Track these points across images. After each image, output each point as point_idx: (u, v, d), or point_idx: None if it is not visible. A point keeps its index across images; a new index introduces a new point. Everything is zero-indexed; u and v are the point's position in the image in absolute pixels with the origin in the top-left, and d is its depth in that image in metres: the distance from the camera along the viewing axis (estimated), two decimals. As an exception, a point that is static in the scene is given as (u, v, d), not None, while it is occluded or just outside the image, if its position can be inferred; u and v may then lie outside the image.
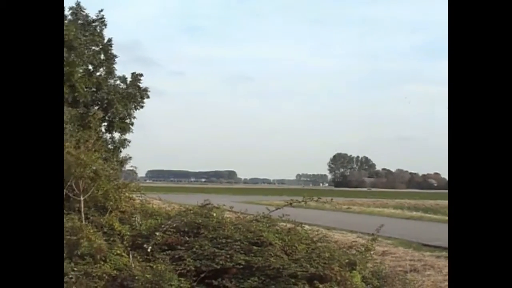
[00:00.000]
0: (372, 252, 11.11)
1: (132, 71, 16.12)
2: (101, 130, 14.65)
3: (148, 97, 15.36)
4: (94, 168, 10.80)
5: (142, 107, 15.46)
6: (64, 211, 10.37)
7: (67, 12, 15.16)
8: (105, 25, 15.62)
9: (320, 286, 8.65)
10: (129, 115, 15.12)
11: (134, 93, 15.15)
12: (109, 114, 14.74)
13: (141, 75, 15.68)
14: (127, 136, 15.25)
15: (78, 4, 15.30)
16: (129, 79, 15.63)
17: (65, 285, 8.85)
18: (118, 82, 15.63)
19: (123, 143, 15.17)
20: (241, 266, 9.02)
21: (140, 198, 11.94)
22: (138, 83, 15.54)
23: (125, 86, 15.40)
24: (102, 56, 15.53)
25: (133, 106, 15.18)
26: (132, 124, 15.31)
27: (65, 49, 13.95)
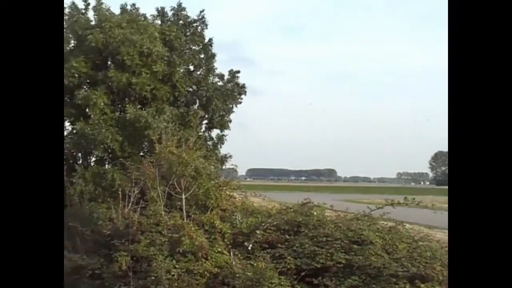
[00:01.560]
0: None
1: (231, 69, 16.51)
2: (201, 129, 15.07)
3: (245, 93, 15.69)
4: (195, 166, 11.16)
5: (240, 103, 15.77)
6: (166, 209, 10.84)
7: (168, 12, 15.77)
8: (206, 25, 16.07)
9: (422, 285, 8.47)
10: (228, 111, 15.47)
11: (232, 89, 15.49)
12: (209, 111, 15.14)
13: (238, 71, 15.99)
14: (226, 132, 15.65)
15: (179, 5, 15.84)
16: (226, 77, 16.04)
17: (167, 282, 9.26)
18: (216, 79, 16.08)
19: (221, 139, 15.52)
20: (341, 265, 9.00)
21: (241, 196, 12.20)
22: (236, 80, 15.89)
23: (222, 83, 15.80)
24: (202, 56, 16.01)
25: (231, 102, 15.52)
26: (230, 121, 15.66)
27: (166, 49, 14.47)
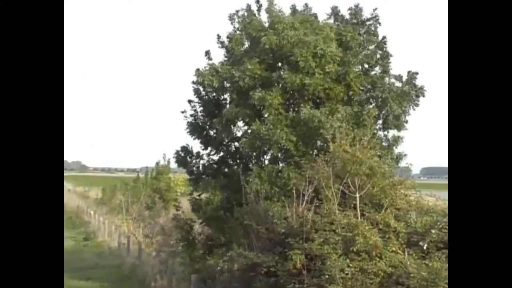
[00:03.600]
0: None
1: (409, 70, 16.23)
2: (375, 128, 14.99)
3: (423, 95, 15.33)
4: (369, 165, 11.19)
5: (417, 105, 15.43)
6: (340, 207, 10.97)
7: (345, 12, 15.97)
8: (379, 23, 16.03)
9: None
10: (404, 112, 15.21)
11: (409, 91, 15.21)
12: (383, 112, 15.03)
13: (417, 73, 15.66)
14: (402, 133, 15.42)
15: (357, 5, 15.99)
16: (404, 77, 15.76)
17: (341, 280, 9.38)
18: (393, 80, 15.88)
19: (397, 140, 15.32)
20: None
21: (415, 195, 11.98)
22: (414, 81, 15.57)
23: (400, 85, 15.57)
24: (377, 55, 15.95)
25: (408, 104, 15.26)
26: (406, 122, 15.37)
27: (340, 49, 14.67)
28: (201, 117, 16.25)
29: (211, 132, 16.13)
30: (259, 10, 15.66)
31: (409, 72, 15.68)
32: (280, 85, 14.28)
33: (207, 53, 16.15)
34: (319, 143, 14.06)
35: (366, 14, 16.06)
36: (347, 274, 9.40)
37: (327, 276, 9.55)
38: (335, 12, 16.16)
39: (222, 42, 16.05)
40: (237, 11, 15.86)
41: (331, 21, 16.02)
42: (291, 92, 14.51)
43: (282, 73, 14.26)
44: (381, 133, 15.37)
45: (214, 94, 15.93)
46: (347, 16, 16.11)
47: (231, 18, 15.89)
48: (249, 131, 14.55)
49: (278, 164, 14.57)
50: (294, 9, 16.05)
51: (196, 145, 16.41)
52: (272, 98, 13.86)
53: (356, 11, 16.02)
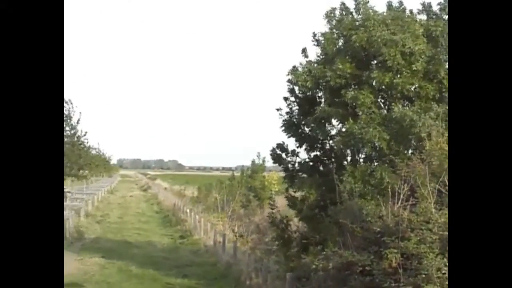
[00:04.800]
0: None
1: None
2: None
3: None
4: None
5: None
6: (437, 206, 10.91)
7: (435, 8, 15.75)
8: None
9: None
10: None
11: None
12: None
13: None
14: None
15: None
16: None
17: (438, 280, 9.36)
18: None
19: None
20: None
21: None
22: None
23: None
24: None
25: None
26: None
27: (429, 46, 14.54)
28: (296, 115, 16.53)
29: (306, 130, 16.38)
30: (356, 8, 15.75)
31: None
32: (370, 83, 14.37)
33: (304, 50, 16.43)
34: (412, 141, 14.01)
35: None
36: (444, 273, 9.37)
37: (423, 276, 9.56)
38: (426, 7, 15.97)
39: (317, 40, 16.26)
40: (334, 9, 16.01)
41: (423, 16, 15.84)
42: (382, 90, 14.56)
43: (371, 72, 14.35)
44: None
45: (309, 92, 16.17)
46: (438, 12, 15.89)
47: (327, 16, 16.06)
48: (343, 129, 14.73)
49: (372, 163, 14.65)
50: (389, 6, 16.02)
51: (291, 143, 16.74)
52: (364, 97, 14.00)
53: (445, 5, 15.79)
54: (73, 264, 20.85)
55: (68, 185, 38.66)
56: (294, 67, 15.88)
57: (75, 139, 26.49)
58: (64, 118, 25.03)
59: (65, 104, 25.38)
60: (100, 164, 58.54)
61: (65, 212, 29.27)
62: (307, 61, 16.07)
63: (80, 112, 26.18)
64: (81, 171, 30.96)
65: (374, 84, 14.28)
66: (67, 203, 32.22)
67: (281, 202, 18.10)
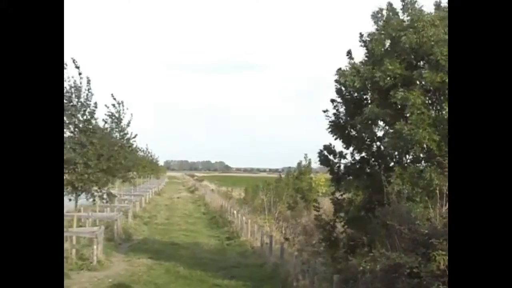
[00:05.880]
0: None
1: None
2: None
3: None
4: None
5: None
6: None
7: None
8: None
9: None
10: None
11: None
12: None
13: None
14: None
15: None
16: None
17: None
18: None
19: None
20: None
21: None
22: None
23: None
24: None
25: None
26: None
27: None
28: (343, 117, 16.59)
29: (353, 132, 16.43)
30: (404, 8, 15.76)
31: None
32: (420, 84, 14.36)
33: (349, 52, 16.49)
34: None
35: None
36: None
37: (472, 278, 9.57)
38: None
39: (364, 41, 16.29)
40: (381, 10, 16.03)
41: None
42: (432, 90, 14.52)
43: (422, 72, 14.35)
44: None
45: (356, 94, 16.22)
46: None
47: (374, 16, 16.08)
48: (391, 130, 14.75)
49: (420, 164, 14.63)
50: (438, 5, 15.96)
51: (338, 145, 16.82)
52: (415, 97, 13.99)
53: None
54: (121, 265, 21.39)
55: (116, 186, 39.38)
56: (339, 68, 15.97)
57: (124, 141, 27.04)
58: (115, 120, 25.62)
59: (116, 106, 25.98)
60: (147, 166, 59.53)
61: (113, 213, 30.02)
62: (354, 62, 16.14)
63: (131, 114, 26.77)
64: (129, 173, 31.55)
65: (424, 84, 14.25)
66: (115, 204, 32.84)
67: (328, 204, 18.17)
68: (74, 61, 19.84)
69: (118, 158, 22.44)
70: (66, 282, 17.54)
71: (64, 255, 20.19)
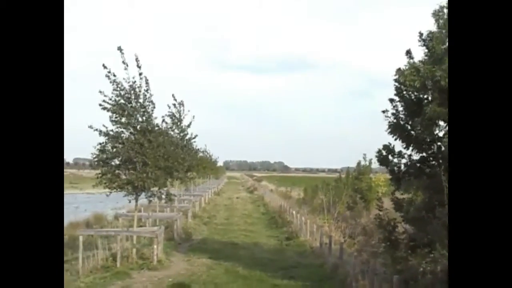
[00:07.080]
0: None
1: None
2: None
3: None
4: None
5: None
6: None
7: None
8: None
9: None
10: None
11: None
12: None
13: None
14: None
15: None
16: None
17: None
18: None
19: None
20: None
21: None
22: None
23: None
24: None
25: None
26: None
27: None
28: (402, 116, 16.52)
29: (412, 132, 16.35)
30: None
31: None
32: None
33: (408, 52, 16.40)
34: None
35: None
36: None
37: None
38: None
39: (424, 40, 16.17)
40: (442, 7, 15.87)
41: None
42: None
43: (485, 69, 14.14)
44: None
45: (416, 93, 16.13)
46: None
47: (435, 15, 15.94)
48: (452, 130, 14.63)
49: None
50: None
51: (397, 145, 16.77)
52: (477, 96, 13.82)
53: None
54: (181, 265, 21.85)
55: (176, 187, 40.16)
56: (399, 68, 15.92)
57: (185, 142, 27.54)
58: (175, 121, 26.15)
59: (176, 106, 26.48)
60: (207, 166, 60.36)
61: (173, 214, 30.65)
62: (413, 62, 16.05)
63: (193, 116, 27.33)
64: (188, 173, 32.11)
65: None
66: (175, 204, 33.52)
67: (387, 204, 18.16)
68: (136, 59, 20.40)
69: (177, 157, 22.87)
70: (127, 281, 18.12)
71: (125, 254, 20.82)
